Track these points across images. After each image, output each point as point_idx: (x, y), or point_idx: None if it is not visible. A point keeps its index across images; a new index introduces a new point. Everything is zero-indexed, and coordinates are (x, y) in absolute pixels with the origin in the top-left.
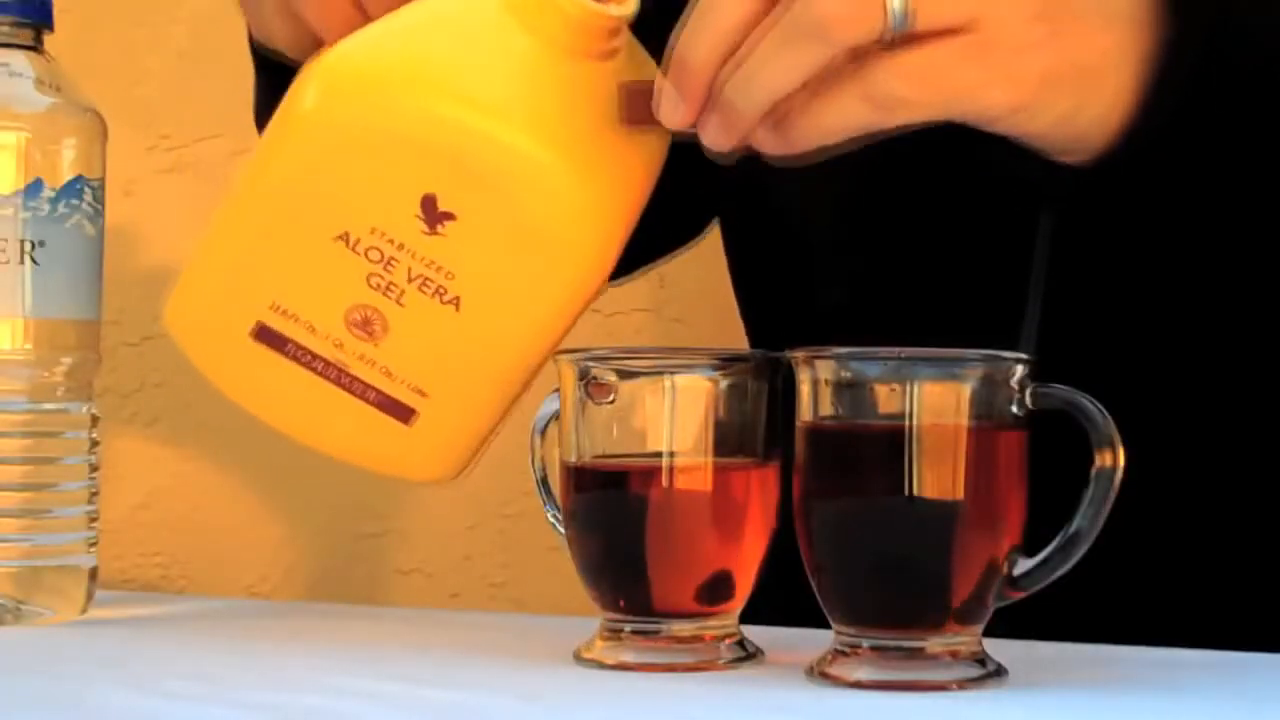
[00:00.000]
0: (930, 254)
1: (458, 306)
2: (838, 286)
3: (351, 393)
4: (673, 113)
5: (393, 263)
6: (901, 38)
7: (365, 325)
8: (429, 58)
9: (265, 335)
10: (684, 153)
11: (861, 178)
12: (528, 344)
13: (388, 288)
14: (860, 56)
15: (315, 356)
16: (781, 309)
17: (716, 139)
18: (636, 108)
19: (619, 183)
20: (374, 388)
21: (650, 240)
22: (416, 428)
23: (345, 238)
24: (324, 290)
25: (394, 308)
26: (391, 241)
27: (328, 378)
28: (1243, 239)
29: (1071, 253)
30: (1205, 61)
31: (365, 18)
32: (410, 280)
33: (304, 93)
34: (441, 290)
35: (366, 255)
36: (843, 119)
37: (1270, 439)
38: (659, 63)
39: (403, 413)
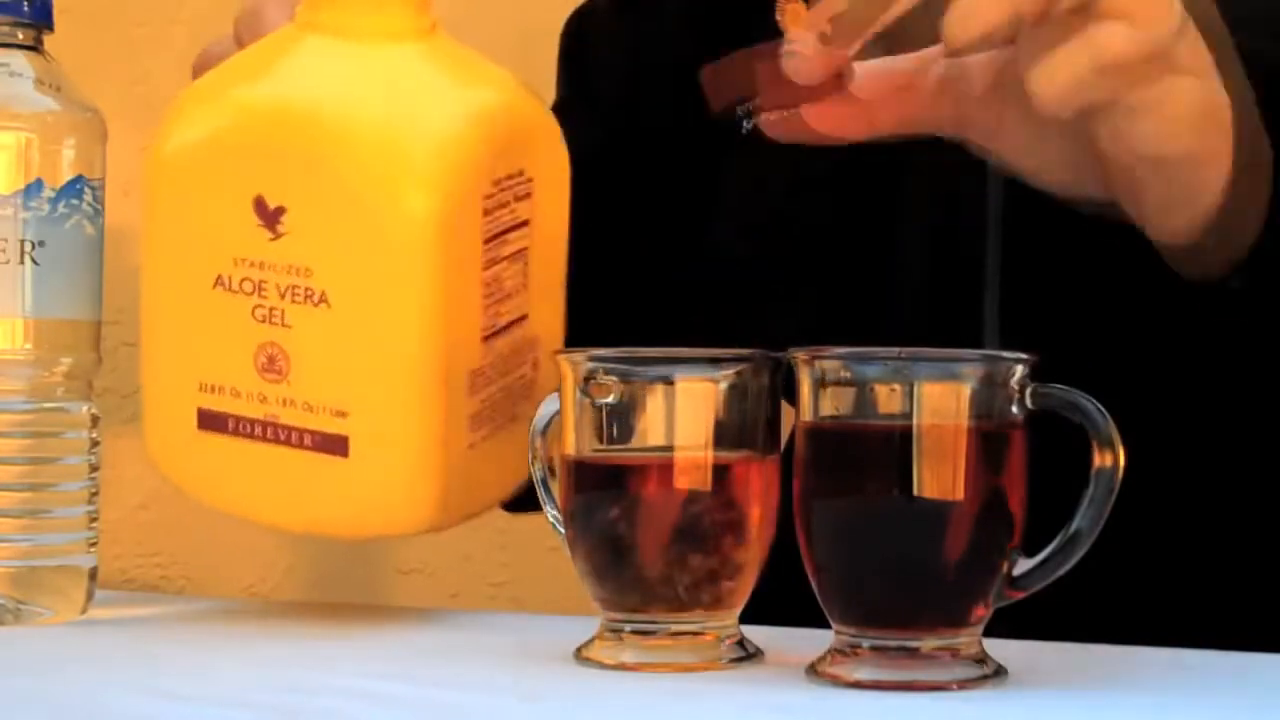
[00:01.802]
0: (885, 265)
1: (328, 302)
2: (789, 316)
3: (291, 445)
4: (808, 67)
5: (263, 286)
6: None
7: (272, 365)
8: (234, 79)
9: (206, 420)
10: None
11: (822, 195)
12: (410, 325)
13: (270, 314)
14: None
15: (252, 422)
16: (749, 321)
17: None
18: (733, 80)
19: (442, 147)
20: (305, 430)
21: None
22: (357, 459)
23: (220, 280)
24: (228, 346)
25: (284, 333)
26: (252, 263)
27: (268, 439)
28: None
29: (1023, 251)
30: None
31: None
32: (283, 296)
33: (149, 149)
34: (310, 292)
35: (242, 289)
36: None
37: (1268, 438)
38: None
39: (337, 445)
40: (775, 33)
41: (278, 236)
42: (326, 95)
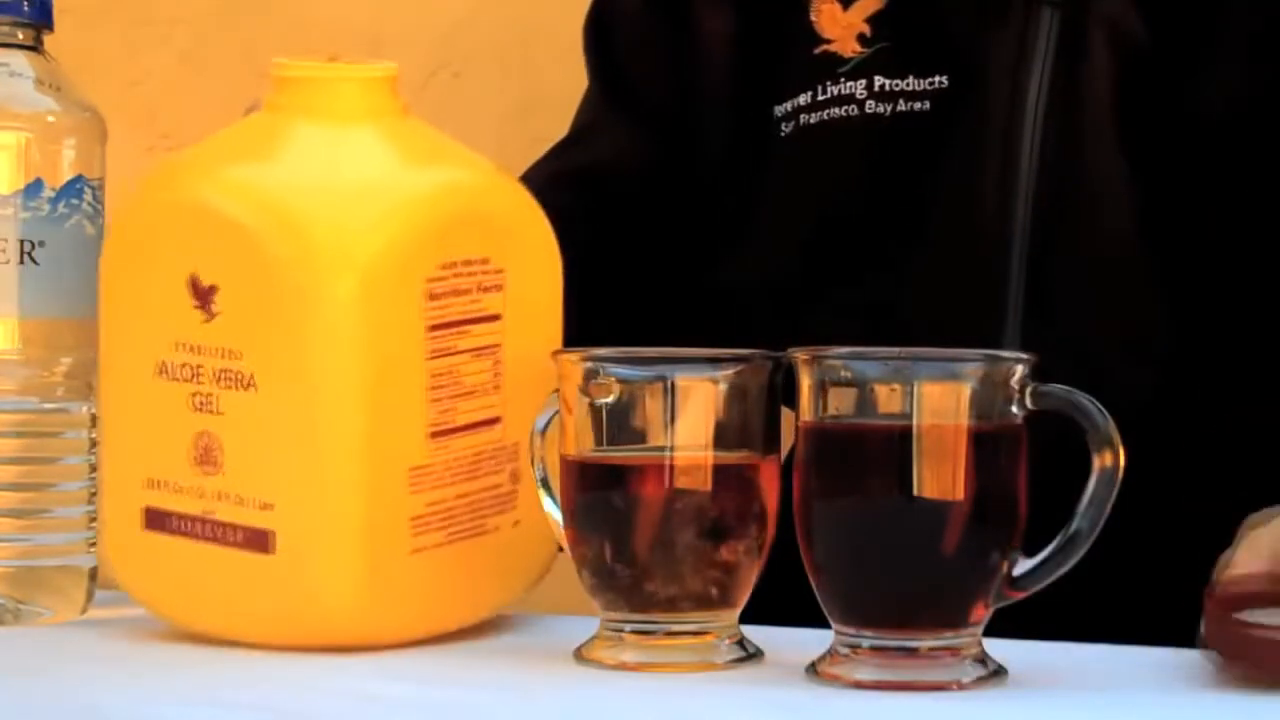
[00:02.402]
0: (915, 266)
1: (255, 385)
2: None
3: (223, 543)
4: None
5: (200, 371)
6: None
7: (207, 457)
8: (192, 160)
9: (152, 520)
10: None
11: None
12: (334, 411)
13: (205, 402)
14: None
15: (190, 519)
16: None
17: None
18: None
19: (373, 225)
20: (236, 525)
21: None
22: (283, 556)
23: (162, 368)
24: (170, 438)
25: (217, 421)
26: (190, 347)
27: (204, 537)
28: None
29: (1049, 255)
30: None
31: None
32: (217, 381)
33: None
34: (240, 376)
35: (181, 375)
36: None
37: (1268, 438)
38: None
39: (263, 540)
40: (811, 33)
41: (212, 317)
42: (267, 173)
